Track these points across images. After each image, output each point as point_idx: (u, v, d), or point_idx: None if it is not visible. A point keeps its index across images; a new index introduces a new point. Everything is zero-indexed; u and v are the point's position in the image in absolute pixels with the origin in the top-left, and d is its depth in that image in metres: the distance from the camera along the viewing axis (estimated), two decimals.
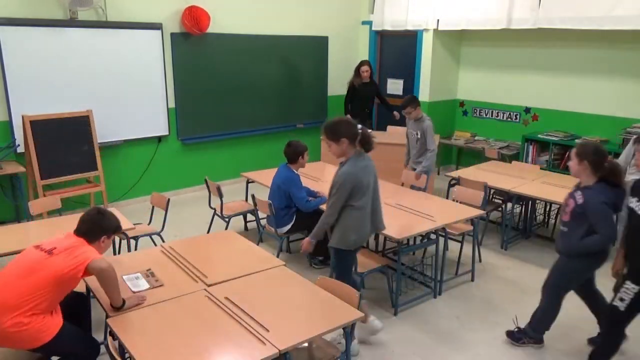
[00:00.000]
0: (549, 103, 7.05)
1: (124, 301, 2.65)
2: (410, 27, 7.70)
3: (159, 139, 6.54)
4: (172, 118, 6.57)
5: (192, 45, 6.53)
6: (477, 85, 7.94)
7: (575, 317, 3.85)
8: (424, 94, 7.85)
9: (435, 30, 7.53)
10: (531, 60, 7.17)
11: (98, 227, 2.78)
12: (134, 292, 2.79)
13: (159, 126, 6.45)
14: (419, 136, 5.34)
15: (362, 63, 7.17)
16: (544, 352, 3.57)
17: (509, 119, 7.62)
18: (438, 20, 7.42)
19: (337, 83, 8.19)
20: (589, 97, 6.66)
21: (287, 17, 7.44)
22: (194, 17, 6.23)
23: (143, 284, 2.89)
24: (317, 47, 7.89)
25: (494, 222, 5.80)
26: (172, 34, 6.32)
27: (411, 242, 4.65)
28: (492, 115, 7.81)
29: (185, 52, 6.50)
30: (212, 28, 6.51)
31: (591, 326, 3.68)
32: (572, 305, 3.66)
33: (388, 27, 7.99)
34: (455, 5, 7.18)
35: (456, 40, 7.92)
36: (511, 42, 7.32)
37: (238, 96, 7.14)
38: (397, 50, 8.32)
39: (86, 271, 2.58)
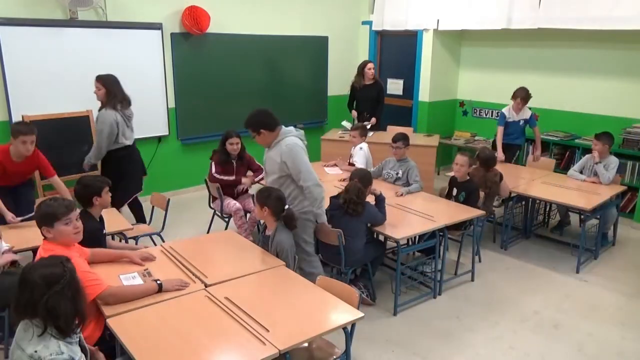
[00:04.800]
0: (549, 103, 7.05)
1: (160, 286, 2.78)
2: (410, 27, 7.70)
3: (159, 139, 6.54)
4: (172, 118, 6.57)
5: (192, 45, 6.53)
6: (477, 85, 7.94)
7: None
8: (424, 94, 7.85)
9: (435, 30, 7.53)
10: (531, 60, 7.17)
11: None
12: None
13: (159, 126, 6.45)
14: (399, 175, 5.01)
15: (366, 62, 7.05)
16: (542, 350, 3.57)
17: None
18: (438, 20, 7.42)
19: (337, 83, 8.19)
20: (589, 97, 6.66)
21: (287, 17, 7.44)
22: (194, 17, 6.22)
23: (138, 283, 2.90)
24: (317, 47, 7.88)
25: (491, 221, 5.79)
26: (172, 34, 6.32)
27: (411, 242, 4.65)
28: (492, 115, 7.80)
29: (186, 52, 6.50)
30: (212, 28, 6.51)
31: None
32: None
33: (388, 27, 7.99)
34: (455, 5, 7.18)
35: (456, 40, 7.92)
36: (511, 42, 7.32)
37: (238, 96, 7.13)
38: (397, 50, 8.32)
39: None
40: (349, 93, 7.20)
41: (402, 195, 4.67)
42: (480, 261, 4.92)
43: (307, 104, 8.00)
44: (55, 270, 1.98)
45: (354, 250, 3.84)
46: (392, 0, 7.86)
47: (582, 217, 4.83)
